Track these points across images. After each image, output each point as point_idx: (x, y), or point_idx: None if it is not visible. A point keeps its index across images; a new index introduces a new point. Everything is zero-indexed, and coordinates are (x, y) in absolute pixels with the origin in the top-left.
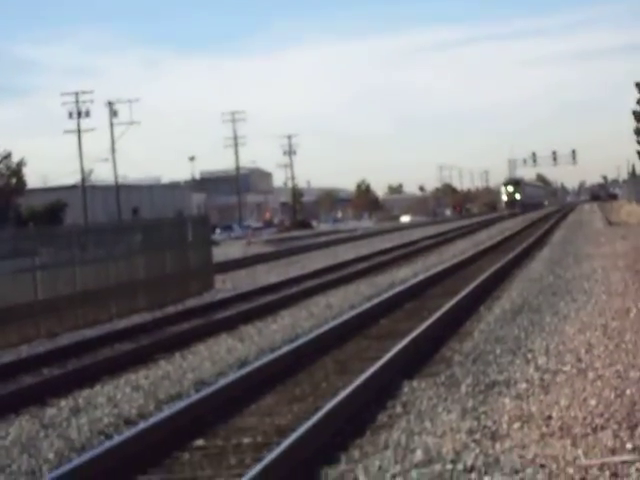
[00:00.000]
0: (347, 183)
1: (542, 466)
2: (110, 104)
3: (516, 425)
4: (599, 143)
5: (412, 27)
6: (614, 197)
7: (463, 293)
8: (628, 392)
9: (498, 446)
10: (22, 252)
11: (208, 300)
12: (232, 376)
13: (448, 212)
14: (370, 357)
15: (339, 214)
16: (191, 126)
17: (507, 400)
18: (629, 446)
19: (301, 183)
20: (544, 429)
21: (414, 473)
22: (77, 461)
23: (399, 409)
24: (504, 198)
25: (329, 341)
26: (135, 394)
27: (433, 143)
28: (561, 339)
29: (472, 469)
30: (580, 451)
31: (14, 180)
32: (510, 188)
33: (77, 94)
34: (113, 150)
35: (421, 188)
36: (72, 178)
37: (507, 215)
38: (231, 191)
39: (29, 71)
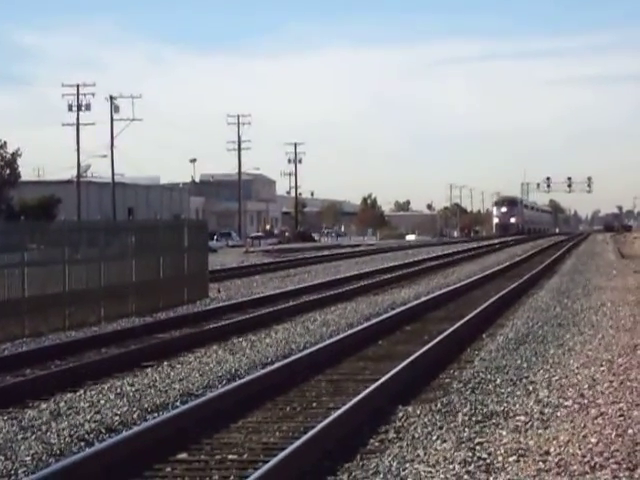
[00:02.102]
0: (352, 196)
1: None
2: (111, 99)
3: (512, 459)
4: (616, 172)
5: (427, 39)
6: (628, 229)
7: (466, 318)
8: (630, 431)
9: (492, 479)
10: (11, 246)
11: (201, 309)
12: (220, 389)
13: (456, 233)
14: (365, 379)
15: (342, 228)
16: (194, 127)
17: (504, 432)
18: None
19: (305, 193)
20: (541, 465)
21: None
22: (55, 466)
23: (392, 434)
24: (495, 221)
25: (324, 359)
26: (119, 401)
27: (444, 161)
28: (564, 372)
29: None
30: None
31: (7, 171)
32: (503, 209)
33: (78, 86)
34: (112, 146)
35: (429, 206)
36: (68, 173)
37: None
38: (231, 197)
39: (29, 59)
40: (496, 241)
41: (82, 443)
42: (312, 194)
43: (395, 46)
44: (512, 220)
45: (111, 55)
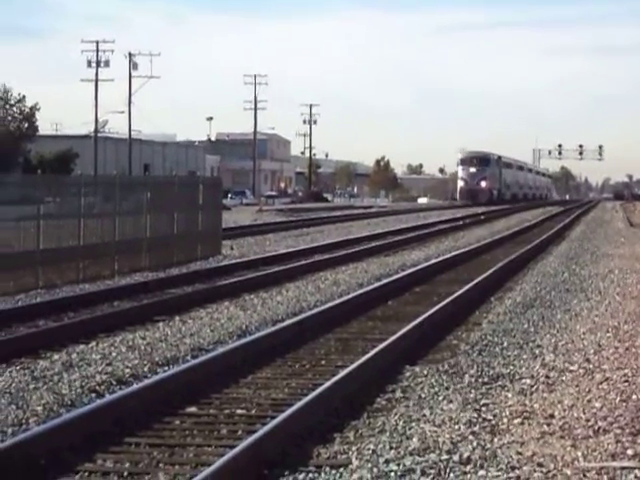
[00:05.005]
0: (366, 158)
1: (540, 465)
2: (130, 55)
3: (517, 421)
4: (627, 141)
5: (445, 5)
6: (638, 198)
7: (475, 281)
8: (634, 397)
9: (496, 440)
10: (28, 199)
11: (214, 265)
12: (231, 345)
13: None
14: (374, 338)
15: (355, 189)
16: (211, 86)
17: (510, 394)
18: (630, 452)
19: (319, 154)
20: (545, 427)
21: None
22: (65, 417)
23: (399, 394)
24: (459, 185)
25: (334, 318)
26: (130, 354)
27: (457, 125)
28: (571, 337)
29: (468, 461)
30: (580, 453)
31: (26, 125)
32: (471, 169)
33: (98, 43)
34: (130, 103)
35: (441, 170)
36: (85, 128)
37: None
38: (246, 155)
39: (49, 14)
40: (506, 205)
41: (93, 394)
42: (326, 155)
43: (411, 10)
44: (482, 184)
45: (131, 12)
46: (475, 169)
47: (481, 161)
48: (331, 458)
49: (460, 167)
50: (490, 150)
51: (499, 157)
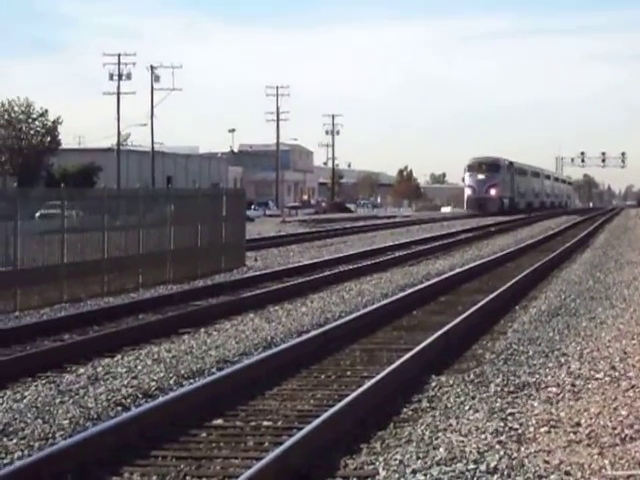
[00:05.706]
0: (389, 168)
1: (567, 473)
2: (152, 68)
3: (543, 429)
4: None
5: (465, 13)
6: None
7: (499, 290)
8: None
9: (523, 449)
10: (52, 213)
11: (238, 277)
12: (256, 356)
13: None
14: (399, 348)
15: (378, 199)
16: (233, 97)
17: (536, 403)
18: None
19: (342, 164)
20: (572, 436)
21: None
22: (92, 431)
23: (425, 404)
24: (467, 192)
25: (358, 329)
26: (156, 367)
27: (481, 134)
28: (596, 345)
29: (495, 471)
30: (607, 461)
31: (48, 139)
32: (480, 176)
33: (119, 55)
34: (152, 115)
35: (464, 179)
36: (108, 141)
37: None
38: (269, 167)
39: (71, 28)
40: (531, 214)
41: (119, 408)
42: (349, 165)
43: (432, 20)
44: (492, 192)
45: (152, 25)
46: (484, 176)
47: (490, 167)
48: (358, 469)
49: (467, 174)
50: (513, 158)
51: (510, 163)
